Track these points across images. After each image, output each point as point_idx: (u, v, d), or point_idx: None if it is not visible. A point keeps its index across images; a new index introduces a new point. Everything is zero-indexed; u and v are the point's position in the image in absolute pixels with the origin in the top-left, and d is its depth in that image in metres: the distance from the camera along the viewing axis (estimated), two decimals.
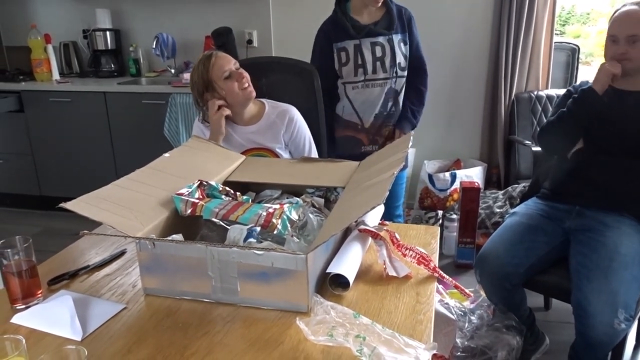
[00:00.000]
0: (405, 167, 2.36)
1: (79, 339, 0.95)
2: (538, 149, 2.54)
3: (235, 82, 1.77)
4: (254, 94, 1.82)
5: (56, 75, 3.62)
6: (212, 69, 1.76)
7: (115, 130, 3.37)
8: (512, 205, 2.81)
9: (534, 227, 1.78)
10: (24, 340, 0.74)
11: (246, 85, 1.79)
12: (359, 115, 2.17)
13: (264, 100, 1.91)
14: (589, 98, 1.75)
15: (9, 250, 1.04)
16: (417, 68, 2.22)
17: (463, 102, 3.33)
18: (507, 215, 1.96)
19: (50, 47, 3.59)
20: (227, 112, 1.79)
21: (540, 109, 3.08)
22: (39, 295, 1.08)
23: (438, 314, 1.67)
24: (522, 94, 3.11)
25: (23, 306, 1.05)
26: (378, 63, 2.10)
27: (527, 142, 2.90)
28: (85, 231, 0.99)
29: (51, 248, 1.34)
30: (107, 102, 3.32)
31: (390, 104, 2.18)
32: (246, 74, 1.80)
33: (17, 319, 1.01)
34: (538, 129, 2.47)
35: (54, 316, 1.00)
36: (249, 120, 1.86)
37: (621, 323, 1.50)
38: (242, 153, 1.72)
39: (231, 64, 1.78)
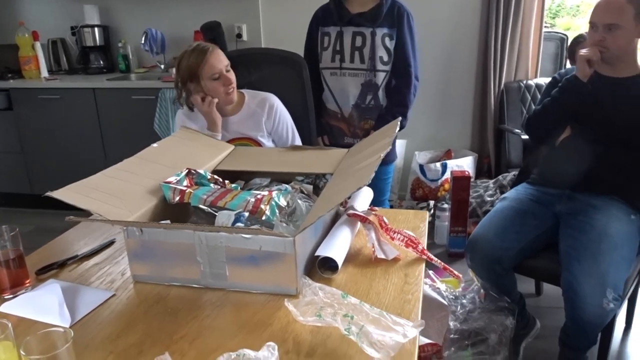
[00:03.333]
0: (392, 159, 2.32)
1: (67, 325, 0.95)
2: (527, 137, 2.55)
3: (221, 86, 1.78)
4: (234, 99, 1.84)
5: (45, 73, 3.59)
6: (203, 65, 1.75)
7: (105, 126, 3.35)
8: (503, 194, 2.82)
9: (524, 211, 1.80)
10: (10, 324, 0.74)
11: (230, 90, 1.80)
12: (337, 103, 2.16)
13: (243, 90, 1.92)
14: (573, 86, 1.76)
15: None
16: (399, 68, 2.09)
17: (453, 93, 3.33)
18: (497, 201, 1.98)
19: (38, 45, 3.56)
20: (215, 100, 1.79)
21: (529, 98, 3.10)
22: (28, 284, 1.08)
23: (430, 300, 1.68)
24: (511, 84, 3.12)
25: (11, 295, 1.05)
26: (356, 52, 2.08)
27: (516, 130, 2.92)
28: (72, 216, 0.99)
29: (44, 245, 1.33)
30: (97, 98, 3.30)
31: (369, 97, 2.11)
32: (233, 79, 1.80)
33: (5, 308, 1.01)
34: (526, 117, 2.49)
35: (42, 304, 1.00)
36: (230, 111, 1.87)
37: (610, 303, 1.51)
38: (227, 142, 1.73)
39: (222, 64, 1.77)
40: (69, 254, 1.24)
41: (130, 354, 0.87)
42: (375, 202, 2.32)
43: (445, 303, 1.70)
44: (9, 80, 3.46)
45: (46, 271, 1.16)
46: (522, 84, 3.10)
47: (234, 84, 1.81)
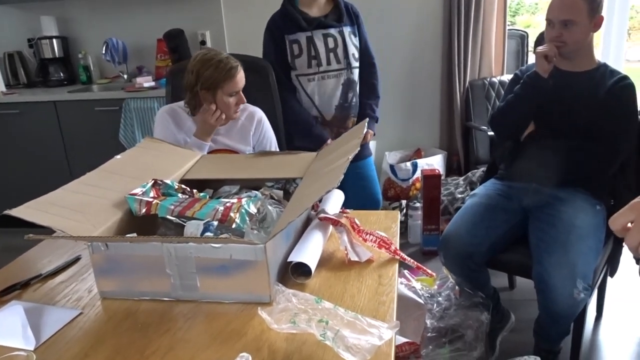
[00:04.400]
0: (368, 155, 2.38)
1: (31, 348, 0.91)
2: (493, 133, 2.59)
3: (234, 104, 1.78)
4: (238, 112, 1.84)
5: (2, 87, 3.47)
6: (228, 82, 1.74)
7: (68, 140, 3.26)
8: (473, 190, 2.86)
9: (493, 206, 1.82)
10: None
11: (238, 110, 1.81)
12: (317, 108, 2.17)
13: None
14: (534, 82, 1.80)
15: None
16: (366, 63, 2.24)
17: (420, 92, 3.37)
18: (467, 197, 2.00)
19: None
20: (223, 116, 1.79)
21: (494, 94, 3.15)
22: None
23: (407, 299, 1.68)
24: (475, 81, 3.17)
25: None
26: (331, 54, 2.11)
27: (483, 127, 2.96)
28: (31, 235, 0.95)
29: (5, 266, 1.28)
30: (58, 111, 3.21)
31: (350, 94, 2.19)
32: (244, 99, 1.81)
33: None
34: (491, 114, 2.53)
35: (4, 327, 0.96)
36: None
37: (580, 293, 1.54)
38: (210, 153, 1.71)
39: (241, 84, 1.78)
40: (32, 273, 1.19)
41: None
42: (377, 194, 2.37)
43: (422, 302, 1.71)
44: None
45: (8, 292, 1.11)
46: (486, 82, 3.16)
47: (244, 103, 1.82)
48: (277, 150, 1.94)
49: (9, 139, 3.31)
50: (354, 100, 2.20)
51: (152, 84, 3.20)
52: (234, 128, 1.85)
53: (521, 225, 1.81)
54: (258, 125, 1.88)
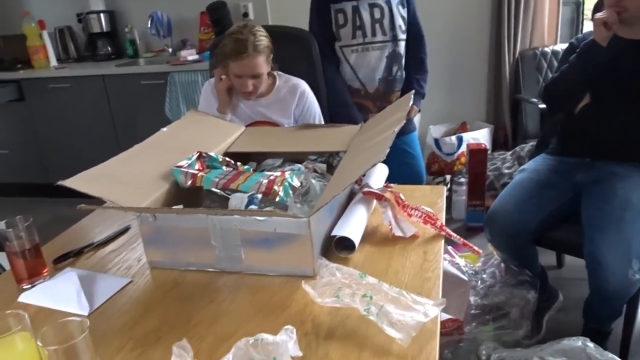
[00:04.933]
0: (413, 129, 2.32)
1: (86, 313, 0.95)
2: (545, 106, 2.49)
3: (240, 87, 1.75)
4: (254, 97, 1.80)
5: (54, 62, 3.59)
6: (234, 60, 1.69)
7: (116, 112, 3.35)
8: (521, 165, 2.77)
9: (543, 182, 1.75)
10: (26, 315, 0.73)
11: (248, 96, 1.78)
12: (360, 80, 2.12)
13: (275, 72, 1.87)
14: (592, 51, 1.69)
15: (10, 230, 1.03)
16: (414, 35, 2.16)
17: (466, 63, 3.25)
18: (515, 173, 1.93)
19: (45, 33, 3.55)
20: (229, 83, 1.76)
21: (545, 65, 3.01)
22: (45, 274, 1.08)
23: (450, 275, 1.66)
24: (526, 51, 3.03)
25: (29, 285, 1.05)
26: (377, 25, 2.05)
27: (533, 100, 2.84)
28: (83, 205, 0.98)
29: (60, 235, 1.33)
30: (106, 85, 3.29)
31: (395, 68, 2.13)
32: (255, 89, 1.75)
33: (23, 298, 1.01)
34: (543, 86, 2.42)
35: (60, 293, 1.00)
36: (259, 93, 1.82)
37: (635, 274, 1.48)
38: (249, 125, 1.70)
39: (250, 72, 1.71)
40: (85, 242, 1.23)
41: (149, 340, 0.87)
42: (422, 168, 2.33)
43: (465, 279, 1.68)
44: (19, 71, 3.46)
45: (63, 260, 1.16)
46: (537, 52, 3.01)
47: (254, 94, 1.78)
48: (322, 120, 1.91)
49: (61, 111, 3.43)
50: (399, 74, 2.14)
51: (196, 57, 3.22)
52: (274, 100, 1.83)
53: (572, 202, 1.74)
54: (300, 98, 1.84)
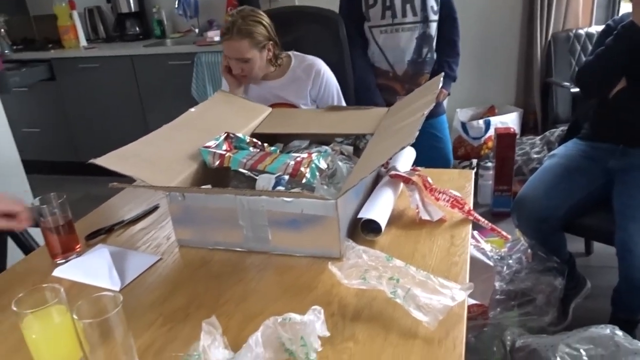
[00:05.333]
0: (442, 112, 2.28)
1: (117, 288, 0.97)
2: (577, 90, 2.42)
3: (232, 65, 1.76)
4: (250, 82, 1.80)
5: (83, 42, 3.64)
6: (223, 44, 1.74)
7: (144, 92, 3.39)
8: (550, 151, 2.71)
9: (574, 168, 1.72)
10: (62, 289, 0.76)
11: (243, 80, 1.78)
12: (389, 62, 2.09)
13: (291, 53, 1.86)
14: (630, 33, 1.63)
15: (45, 207, 1.06)
16: (447, 16, 2.10)
17: (496, 45, 3.18)
18: (545, 158, 1.89)
19: (75, 14, 3.60)
20: (227, 68, 1.79)
21: (579, 48, 2.92)
22: (78, 249, 1.11)
23: (475, 260, 1.65)
24: (559, 33, 2.95)
25: (63, 260, 1.08)
26: (407, 5, 2.00)
27: (565, 83, 2.77)
28: (115, 183, 1.00)
29: (91, 212, 1.36)
30: (135, 65, 3.33)
31: (425, 50, 2.07)
32: (242, 72, 1.75)
33: (58, 272, 1.04)
34: (577, 69, 2.35)
35: (92, 268, 1.02)
36: (274, 75, 1.82)
37: None
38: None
39: (234, 55, 1.72)
40: (115, 220, 1.26)
41: (178, 316, 0.89)
42: (449, 153, 2.29)
43: (491, 264, 1.67)
44: (49, 51, 3.52)
45: (95, 236, 1.19)
46: (571, 34, 2.92)
47: (245, 79, 1.78)
48: (341, 99, 1.89)
49: (90, 91, 3.48)
50: (429, 55, 2.09)
51: None
52: (289, 81, 1.82)
53: (604, 189, 1.70)
54: (316, 78, 1.80)
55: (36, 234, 1.52)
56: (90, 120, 3.58)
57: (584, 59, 2.87)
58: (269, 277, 0.98)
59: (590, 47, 2.82)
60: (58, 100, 3.58)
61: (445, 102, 2.63)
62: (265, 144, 1.31)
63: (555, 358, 1.33)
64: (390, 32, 2.03)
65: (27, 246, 1.52)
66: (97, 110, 3.53)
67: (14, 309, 0.73)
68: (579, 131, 1.91)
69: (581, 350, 1.36)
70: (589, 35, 2.89)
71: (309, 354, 0.73)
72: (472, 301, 1.58)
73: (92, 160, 1.03)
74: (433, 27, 2.05)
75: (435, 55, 2.11)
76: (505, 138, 2.62)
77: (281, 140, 1.43)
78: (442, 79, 1.30)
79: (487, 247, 1.84)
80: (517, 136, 2.87)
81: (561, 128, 2.82)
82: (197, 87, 3.16)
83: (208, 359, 0.72)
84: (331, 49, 1.98)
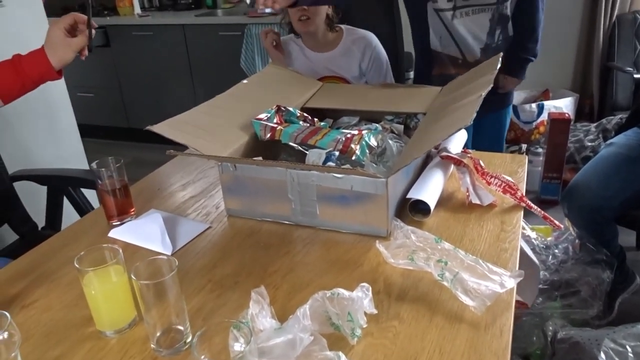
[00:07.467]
0: (509, 103, 2.03)
1: (169, 253, 1.01)
2: None
3: (296, 11, 1.71)
4: (311, 28, 1.74)
5: (137, 9, 3.70)
6: None
7: (194, 62, 3.43)
8: (606, 139, 2.60)
9: (634, 158, 1.64)
10: (120, 250, 0.79)
11: (303, 18, 1.72)
12: (459, 47, 1.79)
13: (342, 26, 1.84)
14: None
15: (103, 170, 1.10)
16: None
17: (555, 25, 3.01)
18: (602, 147, 1.82)
19: None
20: (274, 38, 1.79)
21: None
22: (132, 212, 1.15)
23: (521, 255, 1.60)
24: (625, 15, 2.79)
25: (118, 222, 1.12)
26: None
27: (628, 69, 2.63)
28: (172, 150, 1.02)
29: (141, 177, 1.40)
30: (186, 34, 3.37)
31: (497, 32, 1.77)
32: (307, 12, 1.70)
33: (113, 234, 1.08)
34: None
35: (146, 232, 1.06)
36: (324, 47, 1.80)
37: None
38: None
39: None
40: (166, 186, 1.30)
41: (227, 283, 0.91)
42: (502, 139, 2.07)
43: (537, 262, 1.61)
44: (105, 17, 3.60)
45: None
46: (638, 15, 2.76)
47: (308, 24, 1.72)
48: (390, 76, 1.84)
49: (143, 58, 3.56)
50: (501, 38, 1.79)
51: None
52: (340, 54, 1.80)
53: None
54: (367, 51, 1.78)
55: (91, 196, 1.59)
56: (141, 88, 3.66)
57: None
58: (315, 251, 0.99)
59: None
60: (111, 66, 3.67)
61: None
62: (315, 119, 1.31)
63: (599, 353, 1.30)
64: (461, 15, 1.73)
65: (82, 207, 1.59)
66: (149, 78, 3.60)
67: (77, 265, 0.77)
68: None
69: (627, 347, 1.33)
70: None
71: (355, 330, 0.74)
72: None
73: (149, 127, 1.06)
74: (508, 6, 1.75)
75: (508, 34, 1.81)
76: (559, 124, 2.53)
77: (330, 116, 1.43)
78: (500, 58, 1.23)
79: (533, 234, 1.79)
80: (571, 122, 2.76)
81: (619, 116, 2.70)
82: (246, 59, 3.18)
83: (256, 327, 0.74)
84: (383, 23, 1.94)
